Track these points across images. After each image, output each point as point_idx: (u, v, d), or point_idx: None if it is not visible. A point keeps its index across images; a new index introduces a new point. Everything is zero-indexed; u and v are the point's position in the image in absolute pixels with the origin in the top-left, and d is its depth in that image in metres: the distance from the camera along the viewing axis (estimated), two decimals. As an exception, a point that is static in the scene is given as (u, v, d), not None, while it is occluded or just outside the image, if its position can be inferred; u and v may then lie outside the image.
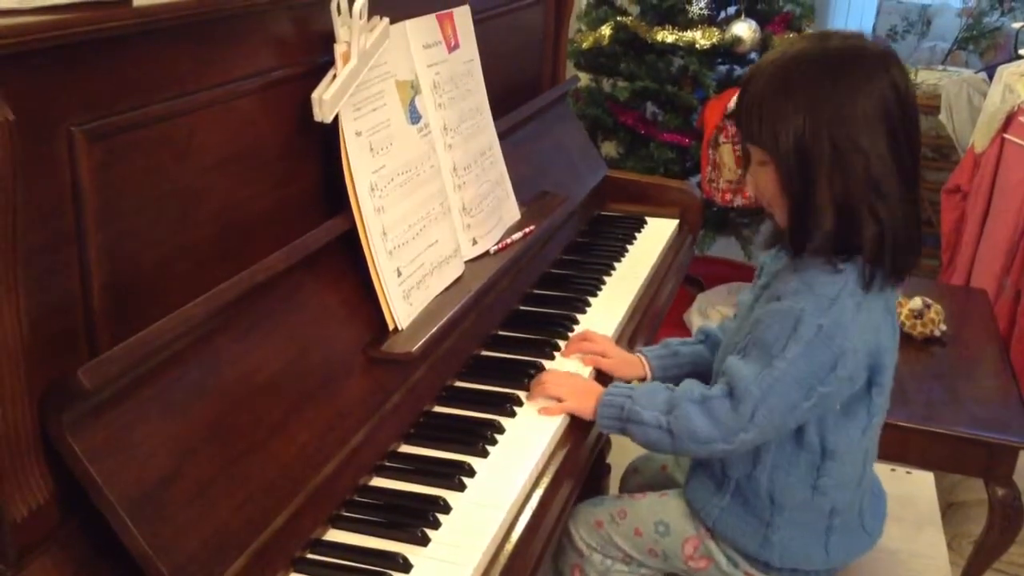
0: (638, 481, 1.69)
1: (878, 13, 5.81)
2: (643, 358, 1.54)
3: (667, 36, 3.16)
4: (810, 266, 1.25)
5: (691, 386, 1.32)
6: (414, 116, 1.44)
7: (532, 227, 1.70)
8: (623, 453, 2.15)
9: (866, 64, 1.22)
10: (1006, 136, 3.05)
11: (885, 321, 1.28)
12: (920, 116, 1.28)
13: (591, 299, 1.75)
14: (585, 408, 1.38)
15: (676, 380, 1.53)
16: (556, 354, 1.55)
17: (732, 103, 3.08)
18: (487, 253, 1.60)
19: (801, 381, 1.22)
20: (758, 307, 1.32)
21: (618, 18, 3.28)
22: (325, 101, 1.20)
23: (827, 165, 1.20)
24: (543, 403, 1.39)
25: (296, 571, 1.07)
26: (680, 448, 1.32)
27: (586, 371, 1.51)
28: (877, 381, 1.28)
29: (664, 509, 1.44)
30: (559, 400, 1.38)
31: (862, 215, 1.21)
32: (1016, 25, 3.75)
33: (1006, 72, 3.19)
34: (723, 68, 3.36)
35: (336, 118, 1.24)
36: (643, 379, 1.54)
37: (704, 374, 1.48)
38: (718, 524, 1.38)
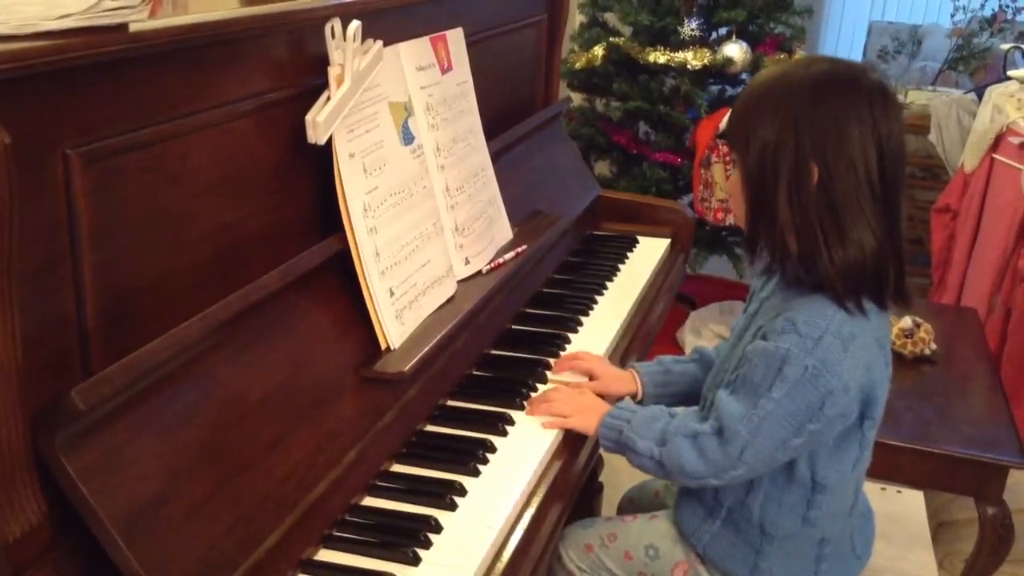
0: (632, 510, 1.69)
1: (869, 33, 5.86)
2: (635, 374, 1.55)
3: (659, 57, 3.19)
4: (795, 304, 1.25)
5: (686, 420, 1.32)
6: (407, 137, 1.45)
7: (524, 247, 1.71)
8: (616, 473, 2.15)
9: (852, 96, 1.21)
10: (995, 156, 3.08)
11: (877, 358, 1.27)
12: (910, 136, 1.28)
13: (583, 318, 1.76)
14: (588, 426, 1.39)
15: (668, 398, 1.54)
16: (548, 373, 1.55)
17: (724, 123, 3.11)
18: (479, 273, 1.61)
19: (789, 420, 1.22)
20: (746, 336, 1.33)
21: (611, 39, 3.31)
22: (319, 123, 1.22)
23: (787, 179, 1.21)
24: (545, 418, 1.40)
25: (288, 591, 1.07)
26: (672, 479, 1.34)
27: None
28: (869, 415, 1.28)
29: (654, 533, 1.45)
30: (563, 416, 1.40)
31: (818, 242, 1.20)
32: (1005, 46, 3.79)
33: (995, 92, 3.22)
34: (715, 88, 3.39)
35: (330, 140, 1.25)
36: (634, 395, 1.55)
37: (696, 393, 1.49)
38: (708, 549, 1.38)
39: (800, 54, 3.33)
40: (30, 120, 0.87)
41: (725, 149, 3.13)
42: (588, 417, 1.39)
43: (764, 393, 1.23)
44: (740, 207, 1.30)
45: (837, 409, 1.23)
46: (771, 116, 1.22)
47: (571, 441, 1.40)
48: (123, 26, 0.93)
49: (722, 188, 3.12)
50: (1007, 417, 2.01)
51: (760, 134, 1.22)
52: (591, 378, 1.53)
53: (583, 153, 3.31)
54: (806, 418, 1.22)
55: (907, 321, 2.22)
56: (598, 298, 1.85)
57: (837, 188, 1.20)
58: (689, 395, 1.54)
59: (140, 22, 0.95)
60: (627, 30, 3.41)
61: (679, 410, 1.39)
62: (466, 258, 1.59)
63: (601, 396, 1.48)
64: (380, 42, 1.35)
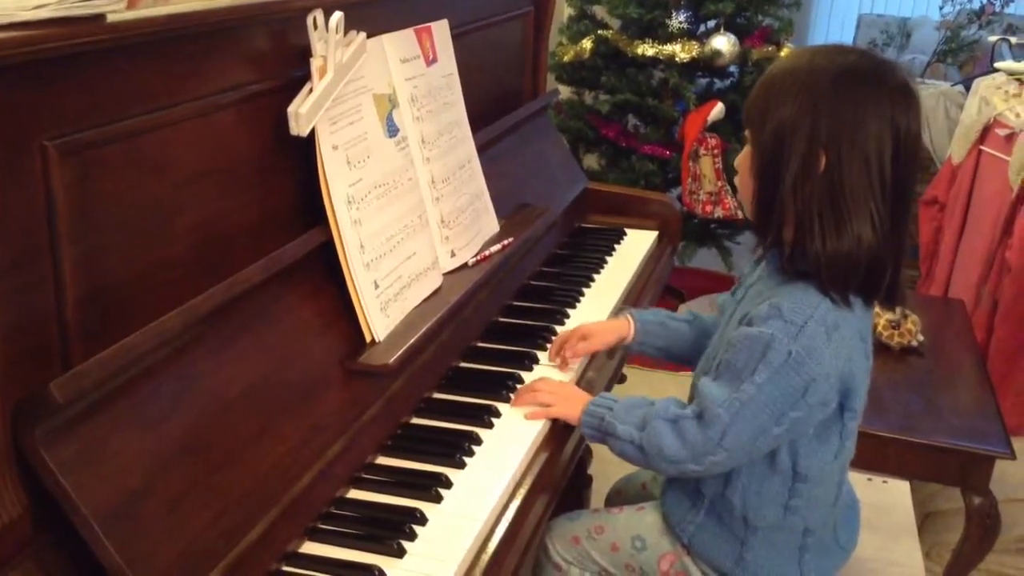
0: (620, 502, 1.69)
1: (858, 26, 5.87)
2: (630, 318, 1.57)
3: (648, 49, 3.19)
4: (780, 291, 1.25)
5: (667, 404, 1.32)
6: (391, 129, 1.45)
7: (511, 239, 1.71)
8: (605, 465, 2.15)
9: (875, 91, 1.20)
10: (982, 148, 3.09)
11: (857, 349, 1.26)
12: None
13: (570, 311, 1.76)
14: (571, 414, 1.39)
15: (653, 349, 1.58)
16: (535, 366, 1.55)
17: (712, 115, 3.11)
18: (465, 265, 1.61)
19: (771, 406, 1.22)
20: (731, 323, 1.33)
21: (599, 32, 3.31)
22: (301, 115, 1.21)
23: (796, 163, 1.21)
24: (529, 409, 1.40)
25: (271, 584, 1.07)
26: (652, 465, 1.33)
27: (567, 376, 1.53)
28: (849, 406, 1.28)
29: (641, 524, 1.45)
30: (547, 405, 1.40)
31: (813, 230, 1.21)
32: (993, 38, 3.79)
33: (982, 85, 3.23)
34: (703, 81, 3.39)
35: (313, 132, 1.24)
36: (623, 338, 1.56)
37: (680, 351, 1.54)
38: (694, 541, 1.38)
39: (788, 47, 3.33)
40: (7, 112, 0.86)
41: (713, 142, 3.13)
42: (571, 406, 1.39)
43: (747, 377, 1.23)
44: (746, 187, 1.30)
45: (818, 397, 1.22)
46: (791, 98, 1.21)
47: (557, 433, 1.40)
48: (100, 17, 0.92)
49: (711, 181, 3.13)
50: (993, 408, 2.02)
51: (777, 114, 1.22)
52: (584, 339, 1.55)
53: (572, 146, 3.31)
54: (788, 405, 1.22)
55: (894, 312, 2.22)
56: (585, 290, 1.85)
57: (845, 179, 1.19)
58: (672, 350, 1.56)
59: (118, 13, 0.94)
60: (615, 23, 3.41)
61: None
62: (452, 251, 1.59)
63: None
64: (363, 33, 1.35)
